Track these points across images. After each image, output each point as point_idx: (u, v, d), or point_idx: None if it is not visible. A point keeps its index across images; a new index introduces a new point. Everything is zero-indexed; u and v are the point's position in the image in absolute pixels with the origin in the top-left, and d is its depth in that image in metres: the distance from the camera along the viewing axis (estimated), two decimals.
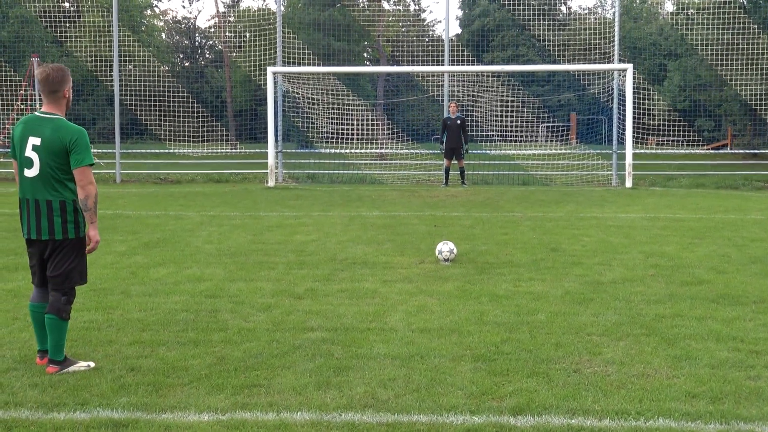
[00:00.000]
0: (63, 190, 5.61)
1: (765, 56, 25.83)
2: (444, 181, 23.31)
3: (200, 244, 11.56)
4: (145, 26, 55.54)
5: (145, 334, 6.57)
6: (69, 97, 5.75)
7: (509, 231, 12.99)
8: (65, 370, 5.65)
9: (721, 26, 26.53)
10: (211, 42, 68.46)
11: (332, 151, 27.90)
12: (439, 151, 24.30)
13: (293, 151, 28.24)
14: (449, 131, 22.68)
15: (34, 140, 5.57)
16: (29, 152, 5.58)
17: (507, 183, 24.82)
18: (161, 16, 68.41)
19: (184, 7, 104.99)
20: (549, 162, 27.90)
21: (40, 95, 27.62)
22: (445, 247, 10.01)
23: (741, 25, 26.24)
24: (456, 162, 23.03)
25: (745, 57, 26.28)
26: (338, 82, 28.19)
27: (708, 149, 32.48)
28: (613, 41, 24.96)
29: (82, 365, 5.74)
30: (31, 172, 5.60)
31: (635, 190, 22.02)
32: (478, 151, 27.89)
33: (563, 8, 65.28)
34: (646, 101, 28.80)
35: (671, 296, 8.04)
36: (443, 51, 25.60)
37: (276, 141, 24.17)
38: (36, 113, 5.70)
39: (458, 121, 22.55)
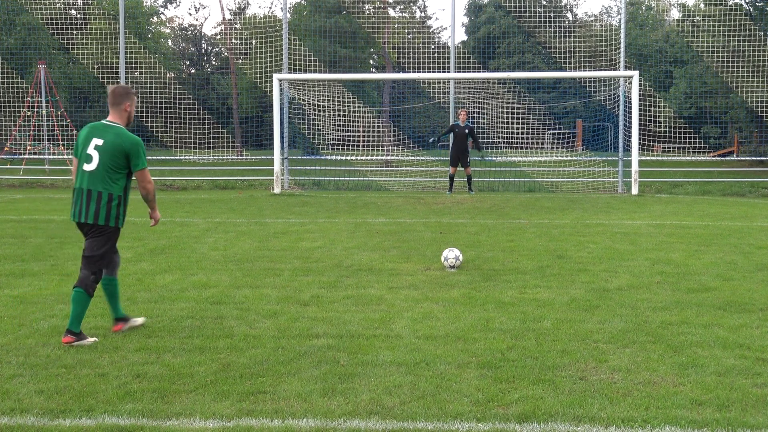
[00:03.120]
0: (112, 185, 6.61)
1: None
2: (449, 187, 23.21)
3: (206, 250, 11.57)
4: (151, 33, 55.68)
5: (150, 341, 6.57)
6: (130, 112, 6.86)
7: (515, 238, 12.98)
8: (78, 342, 6.43)
9: (727, 33, 26.51)
10: (217, 49, 68.62)
11: (338, 157, 27.92)
12: (430, 142, 24.07)
13: (299, 157, 28.26)
14: (456, 138, 22.44)
15: (97, 141, 6.62)
16: (91, 150, 6.60)
17: (513, 190, 24.80)
18: (168, 23, 68.65)
19: (190, 14, 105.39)
20: (555, 169, 27.89)
21: (47, 102, 27.75)
22: (451, 254, 10.00)
23: (747, 33, 26.22)
24: (462, 169, 22.95)
25: (751, 64, 26.25)
26: (344, 88, 28.23)
27: (714, 156, 32.41)
28: (619, 48, 24.96)
29: (89, 341, 6.52)
30: (89, 167, 6.59)
31: (641, 197, 21.99)
32: (485, 158, 27.89)
33: (569, 15, 65.34)
34: (652, 108, 28.81)
35: (677, 303, 8.02)
36: (449, 58, 25.63)
37: (282, 148, 24.21)
38: (102, 121, 6.77)
39: (466, 130, 22.31)
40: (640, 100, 23.40)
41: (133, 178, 6.81)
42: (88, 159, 6.59)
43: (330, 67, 34.83)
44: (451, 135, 22.79)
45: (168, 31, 67.93)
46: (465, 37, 69.09)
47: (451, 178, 23.12)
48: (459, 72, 26.81)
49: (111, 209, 6.60)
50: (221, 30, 58.45)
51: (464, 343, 6.53)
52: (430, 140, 23.41)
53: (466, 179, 22.98)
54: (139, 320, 7.07)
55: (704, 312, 7.64)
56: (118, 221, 6.69)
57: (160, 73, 33.82)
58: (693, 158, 28.47)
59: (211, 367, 5.89)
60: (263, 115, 39.58)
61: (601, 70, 27.06)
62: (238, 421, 4.85)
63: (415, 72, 28.52)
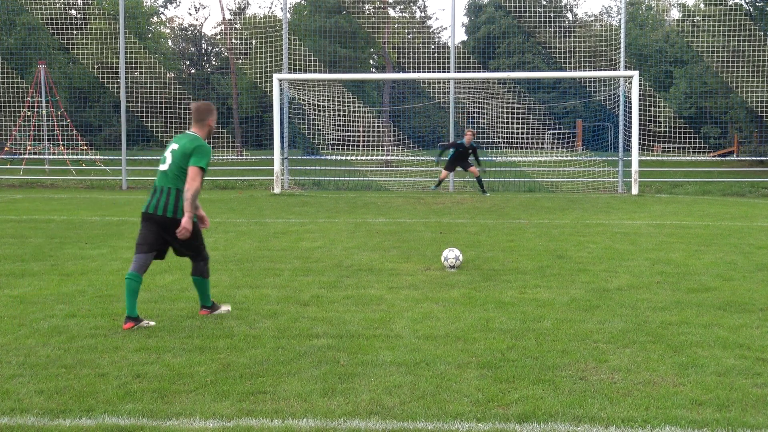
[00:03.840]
0: (181, 184, 7.20)
1: None
2: (436, 184, 22.83)
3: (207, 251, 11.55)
4: (151, 33, 55.69)
5: (150, 341, 6.57)
6: (212, 126, 7.51)
7: (515, 238, 12.98)
8: (216, 311, 7.56)
9: (727, 33, 26.51)
10: (217, 49, 68.63)
11: (338, 157, 27.92)
12: (435, 160, 23.65)
13: (299, 158, 28.27)
14: (458, 155, 21.95)
15: (174, 146, 7.30)
16: (167, 152, 7.31)
17: (513, 190, 24.81)
18: (168, 23, 68.65)
19: (190, 14, 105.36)
20: (555, 169, 27.89)
21: (47, 102, 27.71)
22: (451, 254, 10.00)
23: (747, 33, 26.22)
24: (463, 170, 22.79)
25: (751, 64, 26.25)
26: (344, 88, 28.23)
27: (714, 156, 32.41)
28: (619, 48, 24.97)
29: (223, 309, 7.62)
30: (163, 167, 7.29)
31: (641, 197, 21.99)
32: (484, 158, 27.90)
33: (569, 15, 65.32)
34: (652, 108, 28.81)
35: (677, 303, 8.02)
36: (449, 58, 25.63)
37: (282, 148, 24.22)
38: (185, 132, 7.50)
39: (470, 150, 21.87)
40: (640, 100, 23.41)
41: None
42: (163, 161, 7.33)
43: (330, 67, 34.82)
44: (452, 150, 22.26)
45: (168, 31, 67.96)
46: (465, 37, 69.10)
47: (440, 182, 22.75)
48: (459, 72, 26.81)
49: (179, 204, 7.19)
50: (221, 30, 58.46)
51: (464, 343, 6.53)
52: (437, 159, 23.01)
53: (477, 182, 22.54)
54: (151, 323, 7.20)
55: (704, 312, 7.64)
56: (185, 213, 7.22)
57: (160, 73, 33.83)
58: (693, 158, 28.48)
59: (211, 367, 5.89)
60: (263, 115, 39.59)
61: (601, 70, 27.06)
62: (238, 421, 4.85)
63: (415, 72, 28.52)
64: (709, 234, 13.63)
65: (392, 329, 6.97)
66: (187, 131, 7.49)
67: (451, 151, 22.34)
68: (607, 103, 27.17)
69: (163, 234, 7.26)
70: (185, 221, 7.08)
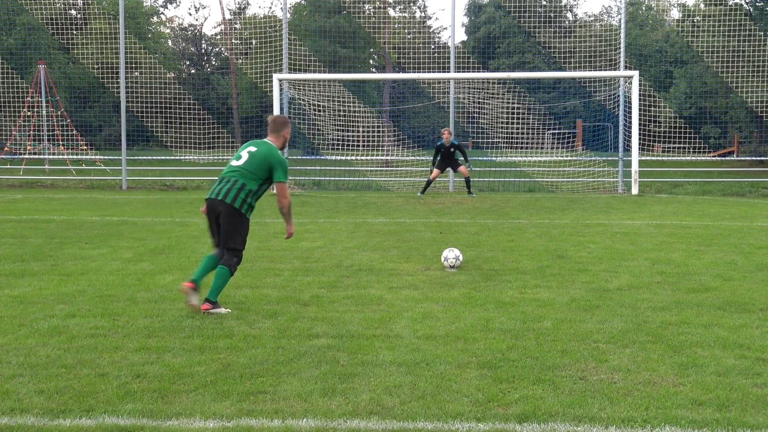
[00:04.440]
0: (250, 181, 7.80)
1: None
2: (422, 189, 22.61)
3: (206, 251, 11.56)
4: (151, 33, 55.69)
5: (150, 341, 6.57)
6: (286, 138, 8.27)
7: (515, 238, 12.98)
8: (214, 310, 7.52)
9: (727, 33, 26.52)
10: (217, 49, 68.64)
11: (338, 157, 27.92)
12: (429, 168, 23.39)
13: (299, 157, 28.26)
14: (444, 156, 21.83)
15: (251, 149, 7.97)
16: (244, 152, 7.97)
17: (513, 190, 24.81)
18: (168, 23, 68.65)
19: (190, 14, 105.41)
20: (555, 169, 27.90)
21: (47, 102, 27.72)
22: (451, 254, 10.01)
23: (747, 33, 26.23)
24: (456, 172, 22.72)
25: (751, 64, 26.26)
26: (344, 88, 28.23)
27: (714, 156, 32.41)
28: (619, 48, 24.97)
29: (222, 310, 7.59)
30: (237, 163, 7.89)
31: (641, 197, 21.99)
32: (484, 158, 27.89)
33: (569, 15, 65.32)
34: (652, 108, 28.82)
35: (677, 303, 8.02)
36: (449, 58, 25.63)
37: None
38: (263, 139, 8.19)
39: (452, 149, 21.71)
40: (640, 100, 23.41)
41: (273, 193, 7.91)
42: (239, 158, 7.96)
43: (330, 67, 34.82)
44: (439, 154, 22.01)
45: (168, 31, 67.95)
46: (465, 37, 69.09)
47: (429, 182, 22.56)
48: (459, 72, 26.80)
49: (240, 195, 7.73)
50: (221, 30, 58.47)
51: (464, 343, 6.53)
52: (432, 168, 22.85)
53: (464, 182, 22.64)
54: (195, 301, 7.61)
55: (704, 312, 7.64)
56: (243, 207, 7.76)
57: (160, 73, 33.83)
58: (693, 158, 28.48)
59: (211, 367, 5.89)
60: (263, 115, 39.55)
61: (601, 70, 27.06)
62: (238, 421, 4.85)
63: (415, 72, 28.52)
64: (709, 234, 13.63)
65: (392, 329, 6.97)
66: (265, 139, 8.20)
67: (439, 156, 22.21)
68: (607, 103, 27.17)
69: (217, 218, 7.80)
70: (290, 228, 8.33)
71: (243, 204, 7.77)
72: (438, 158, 22.07)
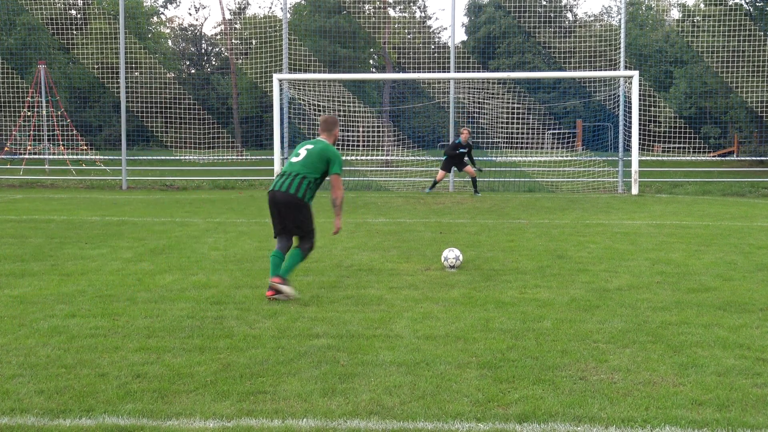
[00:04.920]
0: (309, 173, 8.46)
1: None
2: (429, 186, 22.74)
3: (206, 250, 11.57)
4: (151, 33, 55.70)
5: (150, 341, 6.57)
6: (336, 136, 8.88)
7: (515, 238, 12.98)
8: (282, 286, 8.14)
9: (727, 33, 26.52)
10: (217, 49, 68.65)
11: None
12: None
13: None
14: (456, 155, 21.93)
15: (308, 146, 8.63)
16: (301, 150, 8.61)
17: (513, 190, 24.81)
18: (168, 23, 68.67)
19: (190, 14, 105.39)
20: (555, 169, 27.89)
21: (47, 102, 27.71)
22: (451, 254, 10.00)
23: (747, 33, 26.23)
24: (461, 172, 22.77)
25: (751, 64, 26.26)
26: (344, 88, 28.23)
27: (714, 156, 32.41)
28: (619, 48, 24.97)
29: (288, 289, 8.17)
30: (296, 159, 8.57)
31: (641, 197, 21.99)
32: (484, 158, 27.90)
33: (569, 15, 65.34)
34: (652, 108, 28.82)
35: (677, 303, 8.01)
36: (449, 58, 25.63)
37: (282, 148, 24.22)
38: (317, 138, 8.84)
39: (466, 149, 21.87)
40: (640, 100, 23.41)
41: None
42: (297, 155, 8.62)
43: (330, 67, 34.83)
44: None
45: (168, 31, 67.96)
46: (465, 37, 69.12)
47: (436, 183, 22.68)
48: (459, 72, 26.80)
49: (301, 185, 8.38)
50: (221, 30, 58.48)
51: (464, 343, 6.53)
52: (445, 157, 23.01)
53: (471, 182, 22.55)
54: (288, 290, 8.23)
55: (704, 312, 7.64)
56: (305, 197, 8.41)
57: (160, 73, 33.85)
58: (693, 158, 28.48)
59: (211, 367, 5.89)
60: (263, 115, 39.60)
61: (601, 70, 27.06)
62: (238, 421, 4.85)
63: (415, 72, 28.52)
64: (709, 234, 13.63)
65: (392, 329, 6.97)
66: (318, 138, 8.84)
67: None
68: (607, 103, 27.17)
69: (283, 212, 8.42)
70: (337, 223, 8.79)
71: (305, 194, 8.42)
72: (445, 158, 22.25)
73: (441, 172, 22.47)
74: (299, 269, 9.98)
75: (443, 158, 22.70)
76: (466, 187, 25.35)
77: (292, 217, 8.44)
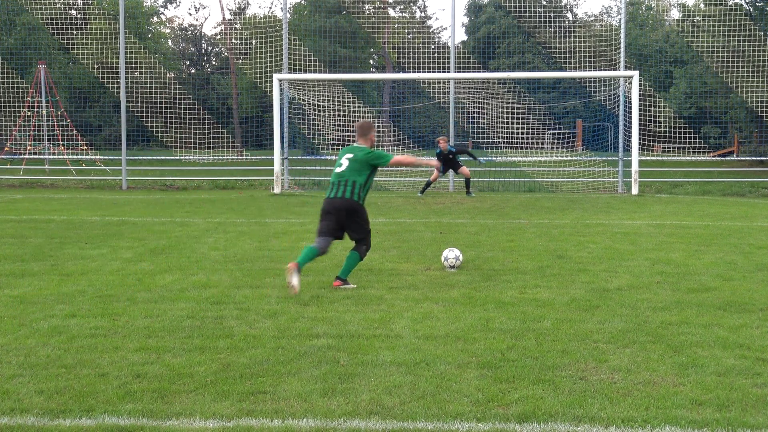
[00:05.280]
0: (357, 177, 9.08)
1: None
2: (422, 189, 22.57)
3: (206, 250, 11.58)
4: (151, 33, 55.69)
5: (150, 341, 6.57)
6: (373, 140, 9.37)
7: (515, 238, 12.98)
8: (344, 286, 8.83)
9: (727, 33, 26.52)
10: (217, 49, 68.65)
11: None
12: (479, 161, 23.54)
13: (299, 158, 28.26)
14: (445, 162, 21.78)
15: (349, 155, 9.19)
16: (343, 160, 9.20)
17: (513, 190, 24.81)
18: (168, 23, 68.67)
19: (190, 14, 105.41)
20: (555, 169, 27.89)
21: (47, 102, 27.72)
22: (451, 254, 10.01)
23: (747, 33, 26.23)
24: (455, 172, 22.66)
25: (751, 64, 26.26)
26: (344, 88, 28.23)
27: (714, 156, 32.41)
28: (619, 48, 24.97)
29: (351, 286, 8.85)
30: (340, 170, 9.15)
31: (641, 197, 21.99)
32: (484, 158, 27.88)
33: (569, 15, 65.34)
34: (652, 108, 28.81)
35: (677, 303, 8.02)
36: (449, 58, 25.63)
37: (282, 148, 24.22)
38: (353, 145, 9.42)
39: (450, 155, 21.65)
40: (640, 100, 23.40)
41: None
42: (340, 165, 9.21)
43: (330, 67, 34.83)
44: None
45: (168, 31, 67.97)
46: (465, 37, 69.10)
47: (429, 183, 22.50)
48: (459, 72, 26.80)
49: (355, 190, 9.03)
50: (221, 30, 58.49)
51: (464, 343, 6.53)
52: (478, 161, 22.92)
53: (464, 182, 22.57)
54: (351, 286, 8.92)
55: (704, 312, 7.64)
56: (360, 199, 9.06)
57: (160, 73, 33.84)
58: (693, 158, 28.47)
59: (211, 367, 5.89)
60: (263, 115, 39.59)
61: (601, 70, 27.05)
62: (238, 421, 4.85)
63: (415, 72, 28.52)
64: (709, 234, 13.63)
65: (392, 329, 6.97)
66: (355, 144, 9.42)
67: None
68: (607, 103, 27.17)
69: (343, 217, 9.03)
70: (430, 162, 10.92)
71: (359, 196, 9.07)
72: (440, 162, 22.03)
73: (435, 173, 22.32)
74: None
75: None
76: (464, 187, 25.36)
77: (352, 219, 9.06)
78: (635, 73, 23.15)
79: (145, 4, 54.86)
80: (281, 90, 24.22)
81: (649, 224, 15.07)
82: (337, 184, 9.12)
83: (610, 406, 5.08)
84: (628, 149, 23.93)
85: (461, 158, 22.34)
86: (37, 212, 17.35)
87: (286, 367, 5.89)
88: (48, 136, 30.21)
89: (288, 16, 26.81)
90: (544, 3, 48.09)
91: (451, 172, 23.38)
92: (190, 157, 29.23)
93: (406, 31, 40.51)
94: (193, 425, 4.80)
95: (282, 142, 24.29)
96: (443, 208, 18.69)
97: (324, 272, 9.76)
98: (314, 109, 26.97)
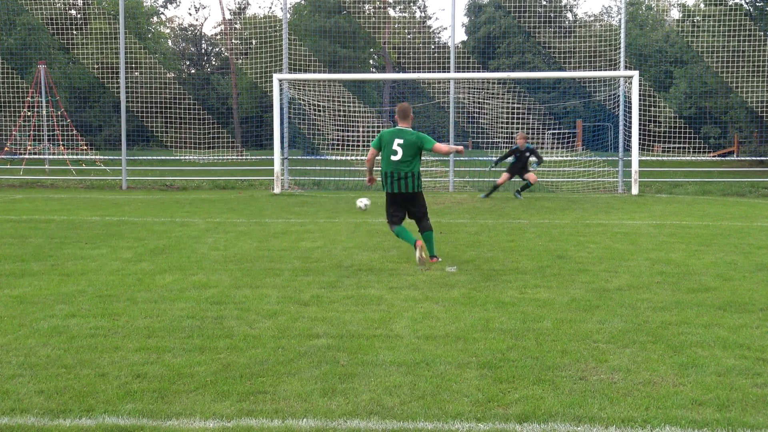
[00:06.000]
0: (414, 166, 10.20)
1: None
2: (488, 192, 21.84)
3: (206, 250, 11.58)
4: (151, 33, 55.70)
5: (150, 341, 6.57)
6: (412, 118, 10.34)
7: (515, 238, 12.98)
8: (439, 259, 10.41)
9: (727, 33, 26.51)
10: (217, 49, 68.66)
11: (338, 157, 27.91)
12: (493, 166, 22.71)
13: (299, 158, 28.26)
14: (518, 161, 21.27)
15: (399, 141, 10.11)
16: (395, 146, 10.13)
17: (513, 190, 24.79)
18: (168, 23, 68.68)
19: (190, 14, 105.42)
20: (555, 169, 27.88)
21: (47, 102, 27.72)
22: (362, 202, 11.63)
23: (747, 33, 26.22)
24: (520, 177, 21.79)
25: (751, 64, 26.25)
26: (344, 88, 28.23)
27: (714, 156, 32.41)
28: (619, 48, 24.96)
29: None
30: (396, 158, 10.14)
31: (641, 197, 21.99)
32: (484, 158, 27.88)
33: (569, 15, 65.35)
34: (652, 108, 28.81)
35: (677, 303, 8.01)
36: (449, 58, 25.62)
37: (282, 148, 24.22)
38: (397, 127, 10.34)
39: (527, 153, 21.24)
40: (640, 100, 23.40)
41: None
42: (395, 153, 10.14)
43: (330, 67, 34.84)
44: (512, 157, 21.50)
45: (168, 31, 67.98)
46: (465, 37, 69.12)
47: (496, 187, 21.80)
48: (459, 72, 26.80)
49: (416, 181, 10.25)
50: (221, 30, 58.50)
51: (464, 343, 6.53)
52: (493, 164, 22.18)
53: (525, 183, 21.66)
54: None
55: (704, 312, 7.64)
56: (420, 187, 10.37)
57: (160, 73, 33.83)
58: (693, 158, 28.47)
59: (211, 367, 5.89)
60: (263, 115, 39.60)
61: (601, 70, 27.04)
62: (238, 421, 4.85)
63: (415, 72, 28.51)
64: (709, 234, 13.63)
65: (392, 329, 6.97)
66: (399, 127, 10.28)
67: (511, 158, 21.59)
68: (607, 103, 27.16)
69: (407, 205, 10.45)
70: (456, 147, 10.74)
71: (419, 184, 10.35)
72: (510, 161, 21.50)
73: (505, 175, 21.58)
74: (300, 269, 9.99)
75: (510, 161, 21.73)
76: (466, 187, 25.37)
77: (417, 206, 10.46)
78: (635, 73, 23.15)
79: (145, 4, 54.88)
80: (281, 90, 24.22)
81: (649, 224, 15.07)
82: (398, 177, 10.20)
83: (610, 406, 5.08)
84: (628, 149, 23.92)
85: (531, 158, 21.49)
86: (37, 212, 17.35)
87: (286, 367, 5.89)
88: (48, 136, 30.21)
89: (288, 16, 26.80)
90: (544, 3, 48.09)
91: (450, 172, 23.35)
92: (190, 157, 29.22)
93: (406, 31, 40.51)
94: (193, 425, 4.80)
95: (282, 142, 24.29)
96: (443, 208, 18.69)
97: (324, 272, 9.77)
98: (314, 109, 26.97)
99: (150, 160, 31.48)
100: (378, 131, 29.60)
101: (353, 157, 27.81)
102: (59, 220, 15.61)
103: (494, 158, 22.93)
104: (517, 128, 27.87)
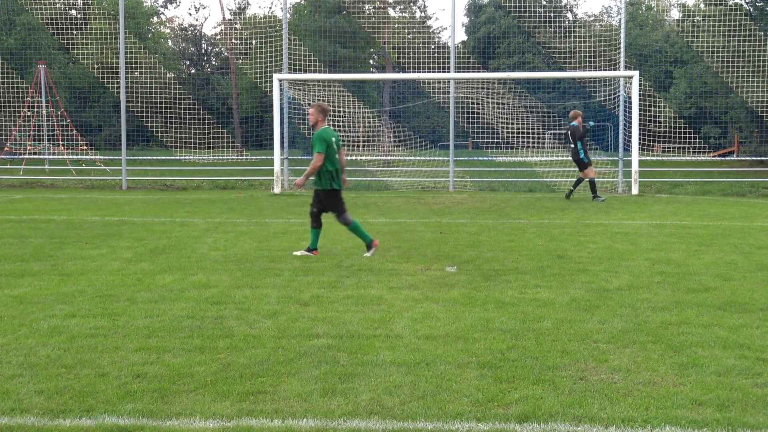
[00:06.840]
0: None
1: None
2: (596, 193, 20.64)
3: (206, 250, 11.57)
4: (151, 33, 55.69)
5: (150, 341, 6.57)
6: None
7: (515, 238, 12.98)
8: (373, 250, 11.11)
9: (727, 33, 26.51)
10: (217, 49, 68.66)
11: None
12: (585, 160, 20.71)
13: (299, 158, 28.24)
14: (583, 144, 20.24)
15: (334, 139, 11.15)
16: (335, 146, 11.38)
17: (513, 190, 24.80)
18: (168, 23, 68.68)
19: (190, 14, 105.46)
20: (555, 169, 27.88)
21: (47, 102, 27.73)
22: None
23: (747, 33, 26.22)
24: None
25: (751, 64, 26.24)
26: (344, 88, 28.23)
27: (714, 156, 32.41)
28: (619, 48, 24.96)
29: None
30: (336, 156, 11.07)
31: (641, 197, 21.99)
32: (484, 158, 27.89)
33: (569, 15, 65.36)
34: (653, 108, 28.80)
35: (677, 303, 8.01)
36: (449, 58, 25.62)
37: (282, 148, 24.22)
38: (328, 127, 11.46)
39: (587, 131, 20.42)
40: (640, 100, 23.40)
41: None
42: (336, 152, 11.39)
43: (330, 67, 34.82)
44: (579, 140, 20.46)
45: (168, 31, 67.98)
46: (465, 37, 69.15)
47: (593, 183, 20.70)
48: (459, 72, 26.80)
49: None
50: (221, 30, 58.49)
51: (464, 343, 6.53)
52: (586, 160, 20.82)
53: (586, 182, 21.01)
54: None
55: (704, 312, 7.64)
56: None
57: (160, 73, 33.83)
58: (693, 158, 28.46)
59: (211, 367, 5.89)
60: (263, 115, 39.63)
61: (601, 70, 27.04)
62: (238, 421, 4.85)
63: (415, 72, 28.50)
64: (709, 234, 13.63)
65: (392, 329, 6.97)
66: (326, 126, 11.57)
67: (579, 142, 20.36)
68: (607, 103, 27.16)
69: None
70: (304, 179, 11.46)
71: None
72: (582, 149, 20.33)
73: (590, 170, 20.56)
74: (300, 269, 10.00)
75: (580, 153, 20.48)
76: (467, 186, 25.37)
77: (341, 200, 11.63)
78: (635, 73, 23.15)
79: (145, 4, 54.88)
80: (281, 90, 24.22)
81: (649, 224, 15.07)
82: (338, 176, 11.32)
83: (610, 406, 5.08)
84: (628, 149, 23.92)
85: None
86: (37, 212, 17.35)
87: (286, 367, 5.89)
88: (48, 136, 30.22)
89: (288, 16, 26.80)
90: (544, 3, 48.10)
91: (449, 171, 23.36)
92: (190, 157, 29.22)
93: (406, 31, 40.50)
94: (193, 425, 4.80)
95: (282, 142, 24.29)
96: (443, 208, 18.69)
97: (324, 272, 9.77)
98: None
99: (150, 160, 31.48)
100: (378, 131, 29.58)
101: (353, 157, 27.81)
102: (59, 220, 15.61)
103: (583, 156, 20.62)
104: (518, 128, 27.87)
